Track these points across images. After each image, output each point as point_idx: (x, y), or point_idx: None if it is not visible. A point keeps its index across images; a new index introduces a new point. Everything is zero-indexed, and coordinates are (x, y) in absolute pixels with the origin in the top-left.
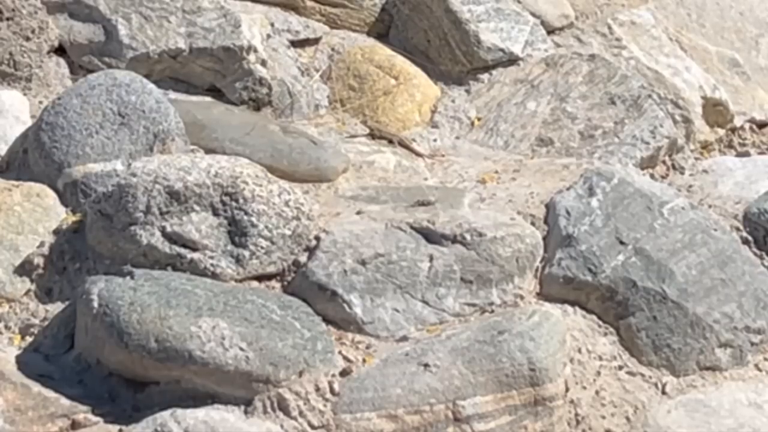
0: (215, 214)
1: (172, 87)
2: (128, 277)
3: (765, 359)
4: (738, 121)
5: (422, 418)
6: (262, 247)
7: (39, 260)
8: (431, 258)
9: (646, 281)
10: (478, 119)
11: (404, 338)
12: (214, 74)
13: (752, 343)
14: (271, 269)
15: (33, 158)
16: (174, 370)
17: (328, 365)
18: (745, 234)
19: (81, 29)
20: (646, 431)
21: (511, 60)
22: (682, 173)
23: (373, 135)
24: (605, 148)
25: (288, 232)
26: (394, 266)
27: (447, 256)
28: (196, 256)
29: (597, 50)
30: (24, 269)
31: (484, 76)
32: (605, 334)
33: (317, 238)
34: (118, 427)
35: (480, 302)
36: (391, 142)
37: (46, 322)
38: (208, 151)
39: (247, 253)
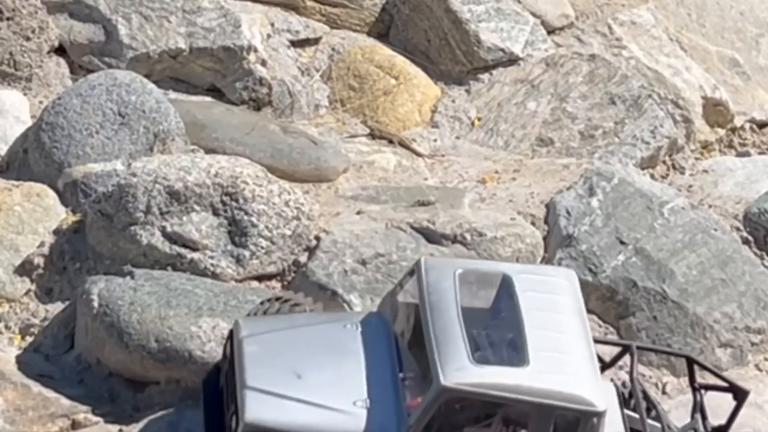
0: (215, 214)
1: (172, 87)
2: (128, 277)
3: (765, 359)
4: (738, 121)
5: None
6: (262, 247)
7: (39, 260)
8: None
9: (646, 281)
10: (479, 119)
11: None
12: (214, 74)
13: (752, 343)
14: (272, 269)
15: (33, 158)
16: (174, 370)
17: None
18: (745, 234)
19: (81, 29)
20: None
21: (511, 60)
22: (683, 173)
23: (373, 135)
24: (605, 148)
25: (288, 232)
26: (395, 266)
27: (447, 255)
28: (196, 256)
29: (597, 50)
30: (24, 269)
31: (484, 76)
32: (605, 334)
33: (317, 238)
34: (118, 427)
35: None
36: (391, 142)
37: (46, 322)
38: (208, 151)
39: (247, 253)
